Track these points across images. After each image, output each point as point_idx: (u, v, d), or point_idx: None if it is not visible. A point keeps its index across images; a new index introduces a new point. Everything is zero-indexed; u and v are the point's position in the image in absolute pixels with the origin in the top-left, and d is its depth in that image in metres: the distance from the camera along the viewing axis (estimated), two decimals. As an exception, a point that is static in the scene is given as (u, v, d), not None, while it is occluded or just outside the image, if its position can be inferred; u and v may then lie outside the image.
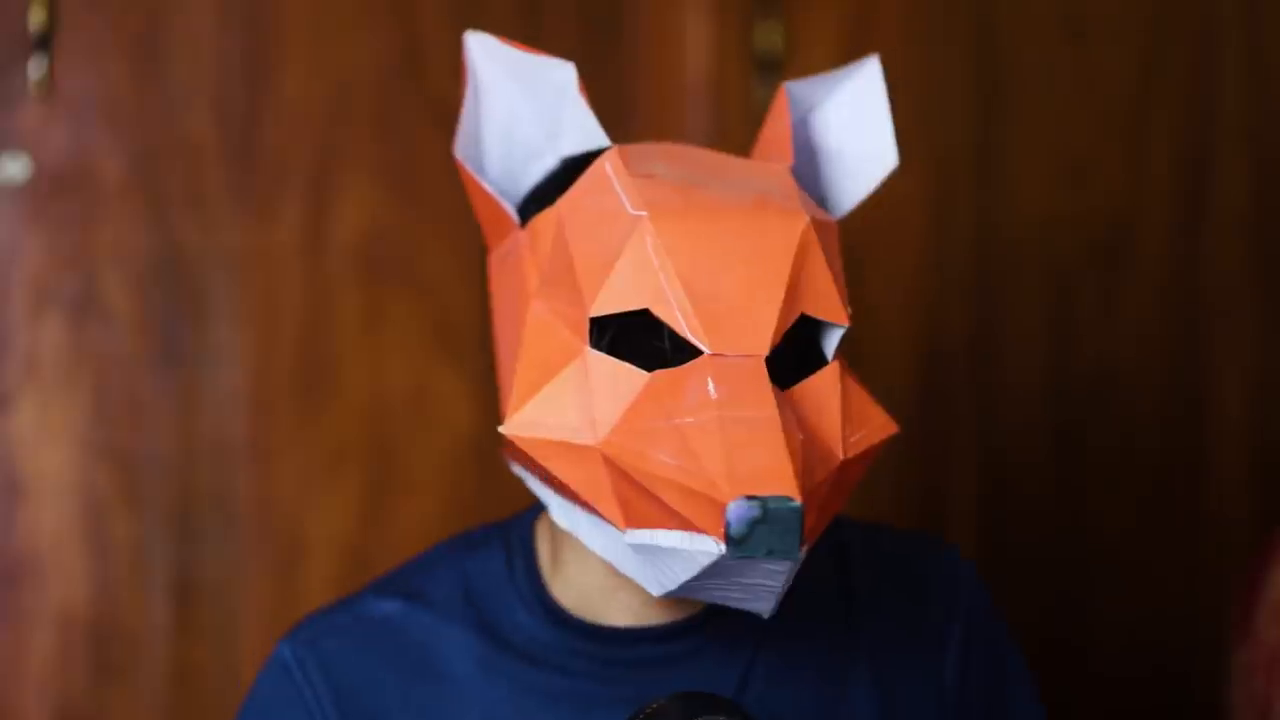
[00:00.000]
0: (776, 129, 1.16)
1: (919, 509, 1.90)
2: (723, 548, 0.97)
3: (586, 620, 1.16)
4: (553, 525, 1.17)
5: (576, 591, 1.16)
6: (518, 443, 1.06)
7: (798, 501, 0.97)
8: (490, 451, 1.83)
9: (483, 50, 1.16)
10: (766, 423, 1.00)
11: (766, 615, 1.04)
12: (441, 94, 1.83)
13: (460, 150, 1.15)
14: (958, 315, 1.92)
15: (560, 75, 1.14)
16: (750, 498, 0.97)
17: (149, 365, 1.77)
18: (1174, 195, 1.98)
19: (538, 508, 1.21)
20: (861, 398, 1.08)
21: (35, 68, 1.76)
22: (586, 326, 1.05)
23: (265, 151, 1.80)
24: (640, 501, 1.02)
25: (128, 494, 1.76)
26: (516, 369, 1.07)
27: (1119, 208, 1.97)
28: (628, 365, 1.04)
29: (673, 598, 1.10)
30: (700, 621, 1.16)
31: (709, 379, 1.01)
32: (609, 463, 1.02)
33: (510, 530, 1.21)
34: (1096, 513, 1.95)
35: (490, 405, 1.83)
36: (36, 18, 1.75)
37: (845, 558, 1.22)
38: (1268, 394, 1.99)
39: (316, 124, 1.82)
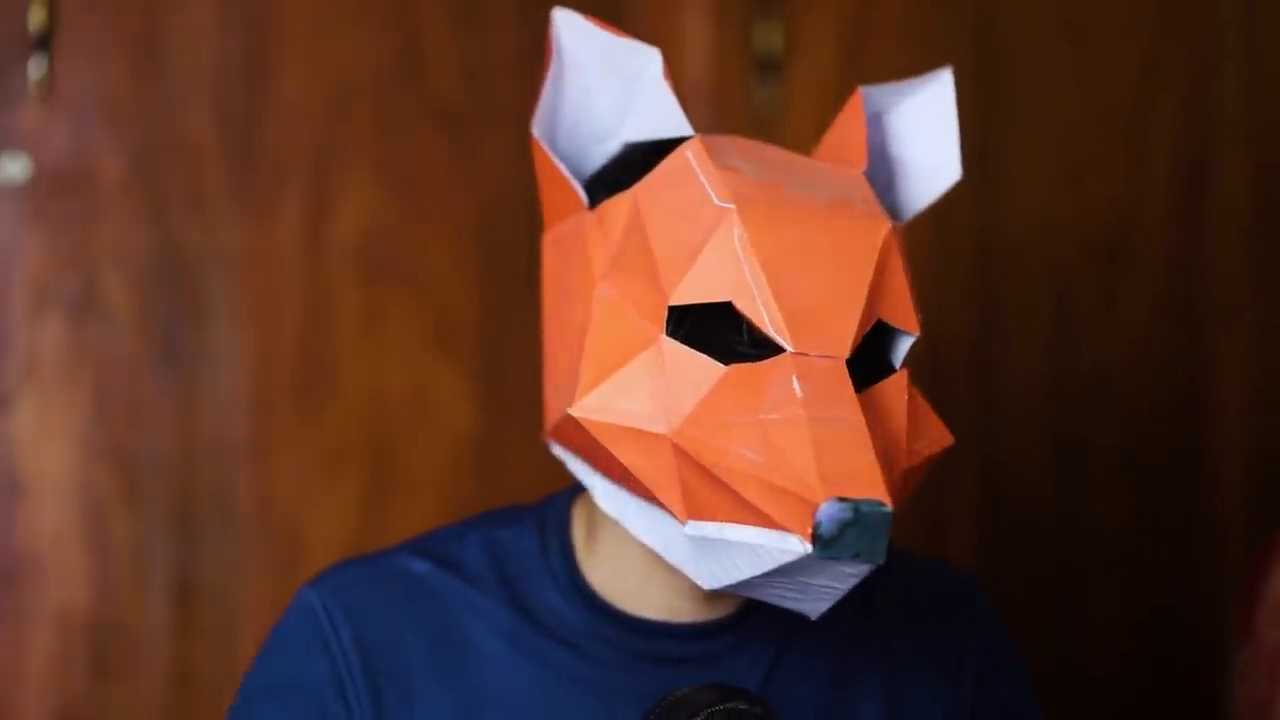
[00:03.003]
0: (850, 132, 1.16)
1: (919, 509, 1.90)
2: (808, 547, 0.96)
3: (618, 608, 1.16)
4: (590, 511, 1.17)
5: (609, 580, 1.16)
6: (586, 425, 1.05)
7: (889, 506, 0.96)
8: (490, 451, 1.83)
9: (570, 29, 1.15)
10: (854, 425, 0.99)
11: (815, 617, 1.04)
12: (441, 94, 1.83)
13: (537, 128, 1.14)
14: (958, 316, 1.92)
15: (645, 60, 1.13)
16: (842, 499, 0.96)
17: (149, 365, 1.77)
18: (1174, 196, 1.98)
19: (571, 492, 1.21)
20: (923, 408, 1.08)
21: (35, 68, 1.75)
22: (663, 314, 1.05)
23: (265, 151, 1.80)
24: (710, 494, 1.01)
25: (128, 494, 1.76)
26: (584, 351, 1.07)
27: (1119, 209, 1.97)
28: (704, 357, 1.03)
29: (722, 593, 1.09)
30: (728, 624, 1.16)
31: (793, 377, 1.01)
32: (679, 453, 1.02)
33: (544, 511, 1.21)
34: (1096, 513, 1.95)
35: (490, 405, 1.83)
36: (36, 18, 1.75)
37: (866, 580, 1.22)
38: (1268, 394, 1.99)
39: (316, 124, 1.81)
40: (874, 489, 0.97)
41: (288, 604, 1.20)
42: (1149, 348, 1.97)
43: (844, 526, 0.96)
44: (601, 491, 1.13)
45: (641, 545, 1.14)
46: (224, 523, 1.78)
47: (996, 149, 1.94)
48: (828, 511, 0.96)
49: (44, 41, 1.76)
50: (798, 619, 1.16)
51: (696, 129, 1.12)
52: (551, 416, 1.14)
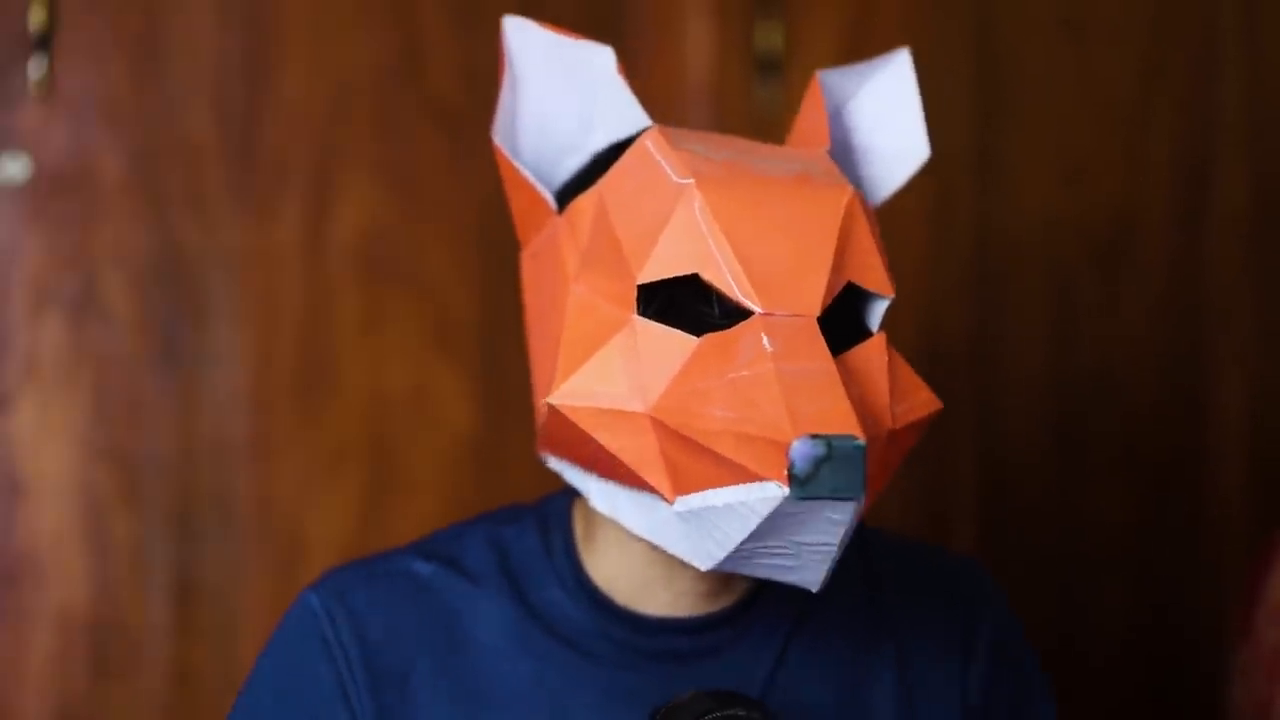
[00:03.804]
0: (811, 116, 1.16)
1: (920, 508, 1.90)
2: (785, 490, 0.96)
3: (621, 606, 1.15)
4: (588, 511, 1.17)
5: (611, 577, 1.16)
6: (565, 412, 1.05)
7: (861, 440, 0.96)
8: (490, 451, 1.83)
9: (521, 35, 1.15)
10: (824, 372, 1.00)
11: (816, 589, 1.03)
12: (441, 94, 1.83)
13: (498, 137, 1.14)
14: (958, 315, 1.92)
15: (598, 60, 1.14)
16: (814, 436, 0.96)
17: (149, 365, 1.77)
18: (1174, 195, 1.98)
19: (570, 491, 1.21)
20: (907, 371, 1.08)
21: (35, 68, 1.76)
22: (633, 297, 1.05)
23: (265, 151, 1.80)
24: (692, 462, 1.01)
25: (128, 494, 1.76)
26: (560, 348, 1.07)
27: (1119, 208, 1.97)
28: (676, 331, 1.03)
29: (720, 572, 1.09)
30: (731, 617, 1.16)
31: (762, 334, 1.01)
32: (659, 427, 1.02)
33: (544, 510, 1.21)
34: (1096, 512, 1.95)
35: (490, 405, 1.83)
36: (36, 18, 1.75)
37: (871, 563, 1.22)
38: (1268, 394, 1.99)
39: (316, 124, 1.82)
40: (846, 424, 0.97)
41: (288, 604, 1.20)
42: (1149, 348, 1.97)
43: (818, 463, 0.96)
44: (595, 492, 1.13)
45: (639, 545, 1.14)
46: (224, 523, 1.78)
47: (996, 149, 1.94)
48: (800, 450, 0.96)
49: (44, 41, 1.76)
50: (803, 609, 1.16)
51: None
52: (538, 426, 1.13)
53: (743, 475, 0.98)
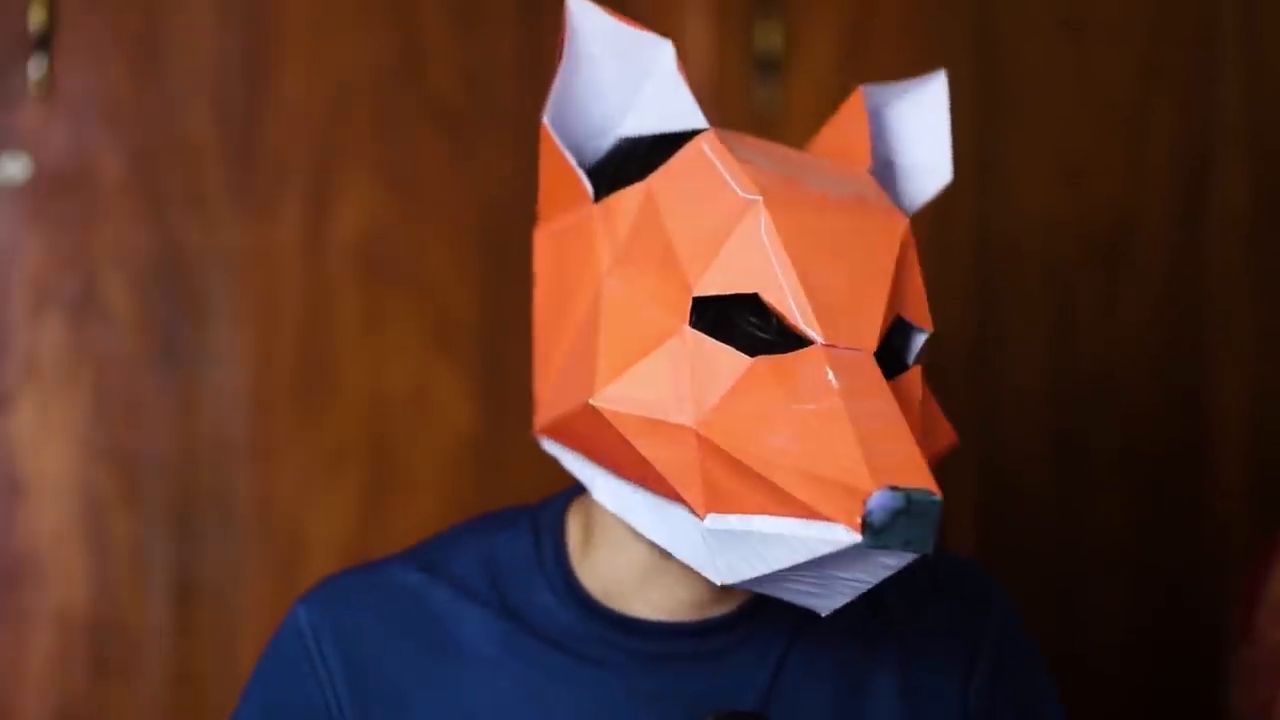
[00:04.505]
0: (852, 133, 1.16)
1: (919, 509, 1.89)
2: (856, 536, 0.96)
3: (615, 610, 1.15)
4: (588, 513, 1.17)
5: (604, 581, 1.15)
6: (608, 416, 1.04)
7: (938, 495, 0.97)
8: (490, 451, 1.83)
9: (585, 18, 1.15)
10: (894, 416, 1.00)
11: (825, 614, 1.04)
12: (441, 94, 1.83)
13: (549, 116, 1.14)
14: (958, 317, 1.92)
15: (656, 52, 1.14)
16: (894, 488, 0.96)
17: (149, 365, 1.77)
18: (1174, 196, 1.98)
19: (570, 493, 1.20)
20: (933, 405, 1.09)
21: (35, 68, 1.76)
22: (685, 305, 1.04)
23: (265, 151, 1.80)
24: (738, 485, 1.01)
25: (128, 494, 1.76)
26: (599, 345, 1.06)
27: (1119, 209, 1.97)
28: (729, 348, 1.03)
29: (731, 590, 1.08)
30: (730, 623, 1.16)
31: (827, 368, 1.01)
32: (705, 444, 1.01)
33: (539, 514, 1.21)
34: (1096, 513, 1.95)
35: (490, 405, 1.83)
36: (36, 18, 1.75)
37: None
38: (1267, 395, 1.99)
39: (316, 124, 1.81)
40: (923, 478, 0.97)
41: (288, 604, 1.20)
42: (1149, 349, 1.97)
43: (896, 515, 0.96)
44: (603, 487, 1.12)
45: (641, 546, 1.13)
46: (224, 523, 1.78)
47: (996, 149, 1.94)
48: (880, 501, 0.96)
49: (44, 41, 1.76)
50: (802, 615, 1.16)
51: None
52: (545, 412, 1.13)
53: (806, 512, 0.98)
